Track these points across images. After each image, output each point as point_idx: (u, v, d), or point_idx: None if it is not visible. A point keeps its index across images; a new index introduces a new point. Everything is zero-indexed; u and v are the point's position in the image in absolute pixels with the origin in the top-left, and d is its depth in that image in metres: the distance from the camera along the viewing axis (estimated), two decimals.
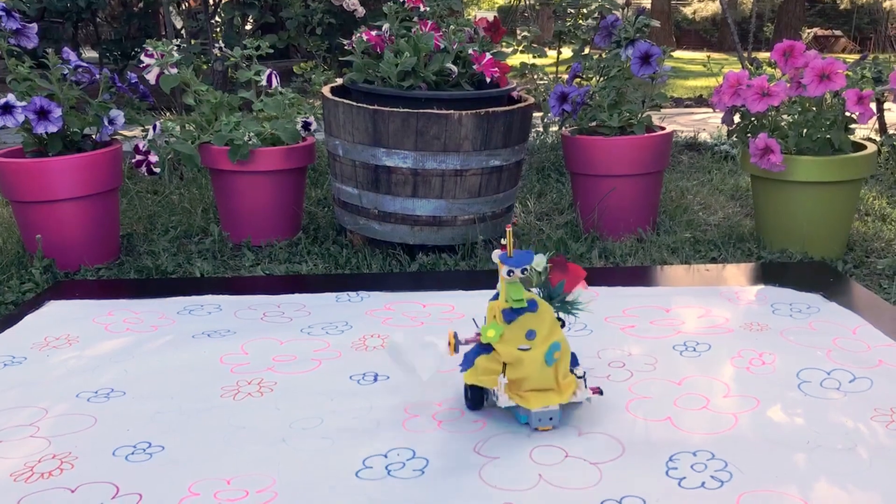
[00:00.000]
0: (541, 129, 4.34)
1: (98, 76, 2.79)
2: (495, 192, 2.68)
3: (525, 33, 4.46)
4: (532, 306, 1.51)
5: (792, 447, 1.45)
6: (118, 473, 1.42)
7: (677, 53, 12.09)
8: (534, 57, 4.31)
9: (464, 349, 1.58)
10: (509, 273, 1.49)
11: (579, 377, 1.56)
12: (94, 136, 2.76)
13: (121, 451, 1.50)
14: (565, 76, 3.19)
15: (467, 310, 2.17)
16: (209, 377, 1.80)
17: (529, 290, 1.55)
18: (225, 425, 1.58)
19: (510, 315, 1.50)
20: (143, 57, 2.91)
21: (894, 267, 2.48)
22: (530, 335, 1.50)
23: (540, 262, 1.56)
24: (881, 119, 4.15)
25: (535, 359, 1.50)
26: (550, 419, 1.52)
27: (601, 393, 1.57)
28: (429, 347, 1.54)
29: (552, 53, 4.51)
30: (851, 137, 2.64)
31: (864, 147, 2.64)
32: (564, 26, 4.41)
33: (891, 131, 4.05)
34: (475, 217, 2.67)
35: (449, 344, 1.54)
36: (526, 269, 1.50)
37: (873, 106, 2.56)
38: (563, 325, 1.58)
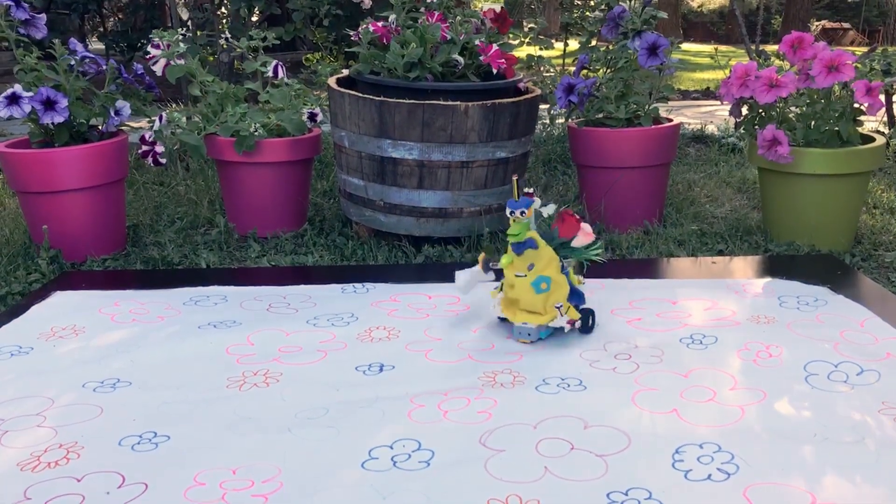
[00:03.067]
0: (547, 122, 4.33)
1: (104, 67, 2.79)
2: (501, 184, 2.67)
3: (532, 25, 4.44)
4: (530, 244, 1.82)
5: (799, 440, 1.44)
6: (124, 463, 1.42)
7: (684, 46, 12.03)
8: (540, 49, 4.29)
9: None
10: (510, 213, 1.84)
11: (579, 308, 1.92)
12: (100, 127, 2.76)
13: (127, 441, 1.50)
14: (572, 68, 3.18)
15: (473, 301, 2.17)
16: (215, 368, 1.80)
17: (532, 230, 1.86)
18: (231, 415, 1.59)
19: (516, 248, 1.84)
20: (150, 47, 2.90)
21: None
22: (530, 267, 1.85)
23: (544, 209, 1.90)
24: (889, 111, 4.13)
25: (525, 285, 1.85)
26: (529, 335, 1.88)
27: (576, 326, 1.92)
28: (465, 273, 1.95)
29: (559, 45, 4.50)
30: (860, 129, 2.62)
31: (873, 139, 2.62)
32: (571, 18, 4.40)
33: None
34: (481, 209, 2.66)
35: (479, 263, 1.94)
36: (524, 212, 1.83)
37: (882, 98, 2.54)
38: (582, 270, 1.97)
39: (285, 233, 2.84)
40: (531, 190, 1.90)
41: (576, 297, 1.93)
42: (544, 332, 1.90)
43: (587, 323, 1.93)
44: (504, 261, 1.88)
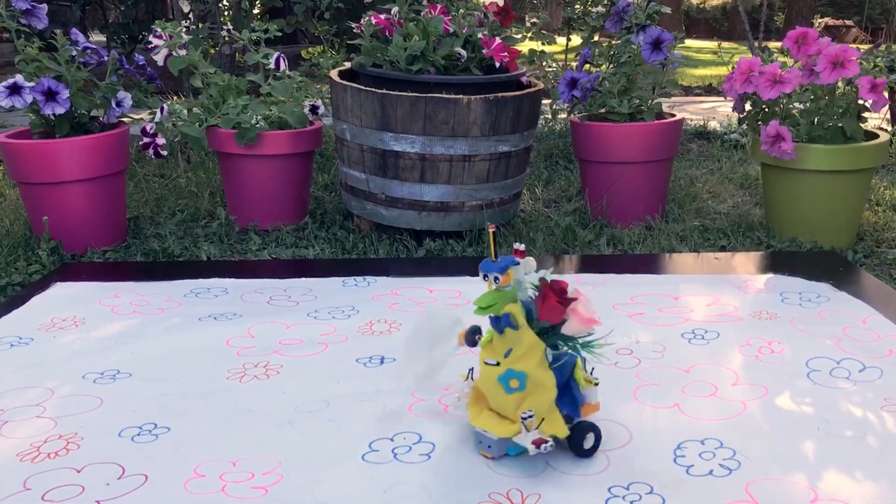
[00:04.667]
0: (549, 116, 4.31)
1: (106, 58, 2.78)
2: (503, 178, 2.67)
3: (534, 20, 4.43)
4: (505, 321, 1.32)
5: (801, 436, 1.44)
6: (124, 454, 1.42)
7: (687, 42, 12.01)
8: (543, 44, 4.28)
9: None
10: (483, 277, 1.33)
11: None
12: (101, 118, 2.75)
13: (127, 432, 1.50)
14: (574, 63, 3.17)
15: (474, 296, 2.14)
16: (215, 360, 1.80)
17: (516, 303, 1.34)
18: (231, 407, 1.58)
19: (495, 324, 1.34)
20: (152, 38, 2.89)
21: None
22: (507, 354, 1.34)
23: (537, 274, 1.35)
24: (893, 108, 4.12)
25: (490, 378, 1.35)
26: (489, 447, 1.38)
27: (545, 449, 1.33)
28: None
29: (561, 40, 4.48)
30: (863, 126, 2.61)
31: (877, 136, 2.61)
32: (574, 13, 4.38)
33: None
34: (483, 203, 2.66)
35: (459, 337, 1.42)
36: (497, 278, 1.31)
37: (886, 94, 2.53)
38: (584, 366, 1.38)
39: (286, 225, 2.84)
40: (521, 247, 1.35)
41: (569, 404, 1.38)
42: (513, 448, 1.37)
43: (580, 443, 1.38)
44: (485, 337, 1.39)
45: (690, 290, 2.18)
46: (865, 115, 2.60)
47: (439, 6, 2.71)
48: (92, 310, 2.11)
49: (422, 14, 2.70)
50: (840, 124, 2.55)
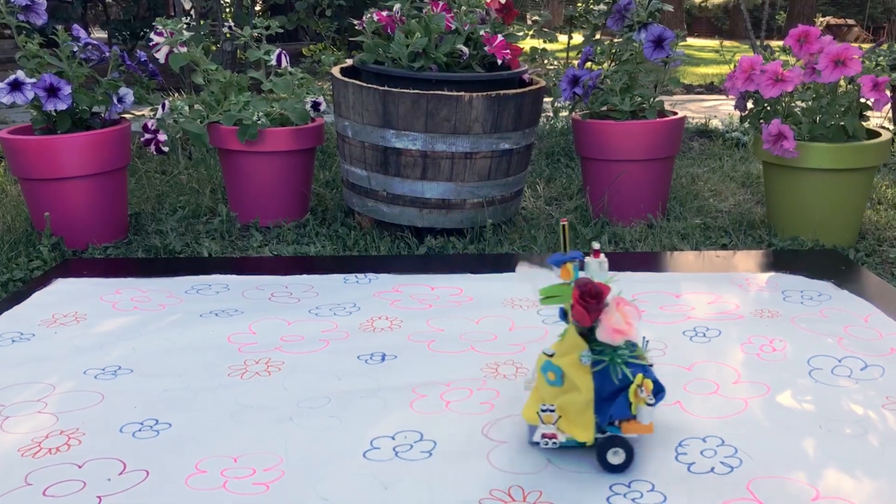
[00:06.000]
0: (551, 114, 4.31)
1: (108, 54, 2.77)
2: (505, 175, 2.67)
3: (536, 18, 4.42)
4: (560, 314, 1.37)
5: (802, 434, 1.44)
6: (125, 450, 1.42)
7: (689, 41, 12.00)
8: (545, 42, 4.28)
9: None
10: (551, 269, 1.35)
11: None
12: (102, 115, 2.75)
13: (128, 428, 1.50)
14: (576, 61, 3.17)
15: (476, 293, 2.16)
16: (217, 356, 1.80)
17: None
18: (232, 404, 1.58)
19: (560, 315, 1.38)
20: (153, 35, 2.89)
21: None
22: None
23: (598, 276, 1.34)
24: (895, 107, 4.11)
25: (538, 366, 1.38)
26: (532, 437, 1.37)
27: (548, 445, 1.35)
28: None
29: (563, 38, 4.48)
30: (865, 125, 2.61)
31: (879, 134, 2.61)
32: (575, 11, 4.38)
33: None
34: (484, 200, 2.66)
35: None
36: (553, 268, 1.32)
37: (888, 93, 2.53)
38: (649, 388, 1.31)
39: (287, 222, 2.84)
40: (597, 245, 1.36)
41: (603, 414, 1.32)
42: (570, 440, 1.35)
43: (604, 456, 1.33)
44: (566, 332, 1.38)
45: (692, 288, 2.18)
46: (867, 113, 2.60)
47: (441, 3, 2.71)
48: (93, 306, 2.11)
49: (424, 11, 2.70)
50: (842, 123, 2.55)
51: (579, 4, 4.35)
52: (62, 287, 2.24)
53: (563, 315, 1.36)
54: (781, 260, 2.42)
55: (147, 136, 2.81)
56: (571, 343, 1.33)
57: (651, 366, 1.36)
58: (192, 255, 2.59)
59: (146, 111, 3.00)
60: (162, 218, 2.93)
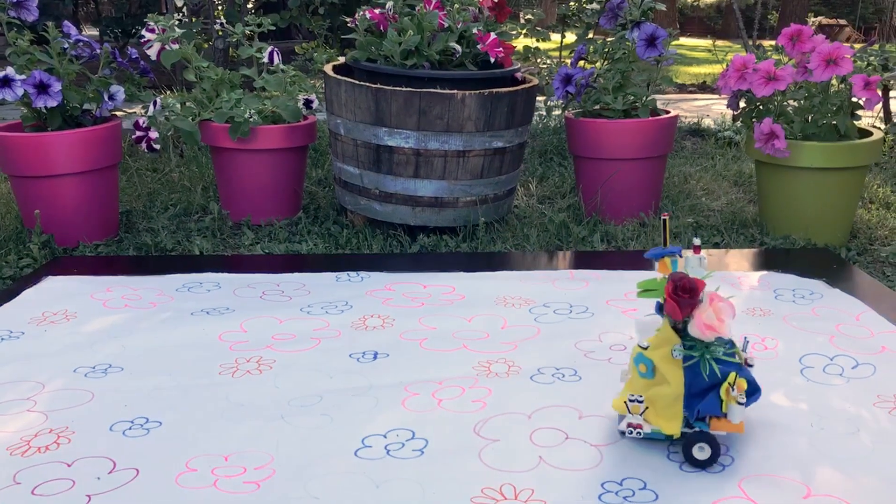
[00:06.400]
0: (543, 113, 4.31)
1: (99, 51, 2.76)
2: (497, 173, 2.66)
3: (529, 16, 4.42)
4: (656, 308, 1.38)
5: (794, 432, 1.44)
6: (115, 448, 1.41)
7: (681, 40, 12.03)
8: (538, 40, 4.27)
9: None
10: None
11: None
12: (93, 112, 2.73)
13: (118, 427, 1.49)
14: (569, 60, 3.17)
15: (468, 291, 2.16)
16: (208, 354, 1.79)
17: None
18: (223, 402, 1.57)
19: (656, 308, 1.39)
20: (144, 31, 2.88)
21: None
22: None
23: (696, 272, 1.33)
24: (886, 107, 4.13)
25: (632, 358, 1.40)
26: (623, 432, 1.39)
27: (634, 435, 1.38)
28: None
29: (556, 37, 4.48)
30: (857, 124, 2.62)
31: (870, 134, 2.62)
32: (568, 10, 4.38)
33: None
34: (477, 199, 2.65)
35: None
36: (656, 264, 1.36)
37: (879, 92, 2.53)
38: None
39: (279, 220, 2.83)
40: (697, 241, 1.37)
41: (690, 406, 1.33)
42: (655, 432, 1.37)
43: (690, 450, 1.33)
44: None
45: None
46: (859, 112, 2.60)
47: (434, 1, 2.70)
48: (83, 304, 2.09)
49: (416, 9, 2.70)
50: (834, 122, 2.55)
51: (572, 3, 4.34)
52: (52, 285, 2.23)
53: (659, 309, 1.37)
54: (773, 258, 2.42)
55: (138, 133, 2.80)
56: (664, 337, 1.35)
57: (750, 366, 1.38)
58: (184, 254, 2.58)
59: (138, 109, 2.99)
60: (153, 216, 2.92)
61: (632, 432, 1.37)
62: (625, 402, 1.37)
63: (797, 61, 2.56)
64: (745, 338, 1.45)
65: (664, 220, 1.36)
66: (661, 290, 1.33)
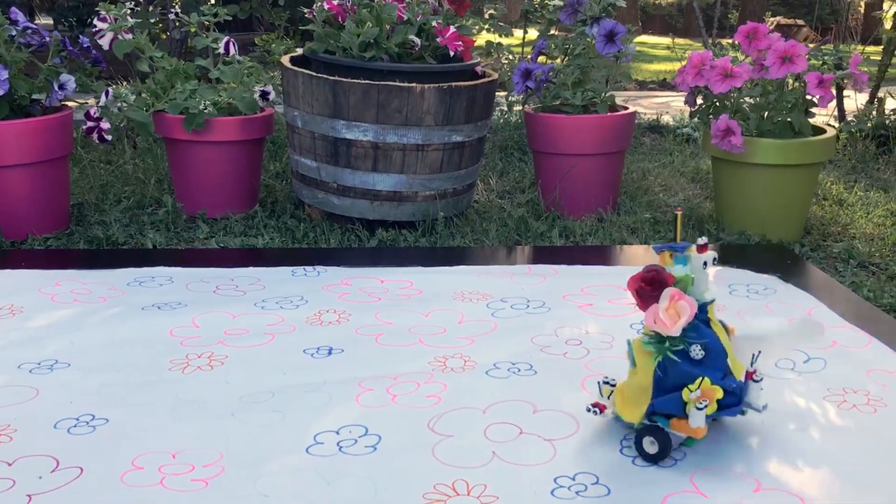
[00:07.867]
0: (504, 108, 4.31)
1: (48, 39, 2.69)
2: (457, 168, 2.65)
3: (492, 11, 4.41)
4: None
5: (745, 426, 1.45)
6: (59, 446, 1.37)
7: (643, 38, 12.13)
8: (500, 36, 4.26)
9: None
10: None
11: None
12: (43, 102, 2.66)
13: (63, 424, 1.45)
14: (530, 56, 3.16)
15: (426, 286, 2.14)
16: (158, 350, 1.75)
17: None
18: (172, 399, 1.54)
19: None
20: (96, 21, 2.81)
21: (849, 251, 2.50)
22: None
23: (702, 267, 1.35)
24: (840, 105, 4.20)
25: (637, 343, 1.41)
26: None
27: (598, 413, 1.43)
28: None
29: (518, 33, 4.47)
30: (811, 122, 2.65)
31: (824, 131, 2.65)
32: (531, 5, 4.37)
33: (849, 118, 4.09)
34: (436, 193, 2.64)
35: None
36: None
37: (833, 91, 2.57)
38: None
39: (235, 214, 2.78)
40: (703, 240, 1.36)
41: (661, 404, 1.33)
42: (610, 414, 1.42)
43: (640, 442, 1.34)
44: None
45: None
46: (813, 110, 2.63)
47: None
48: (31, 298, 2.04)
49: (375, 1, 2.67)
50: (788, 119, 2.58)
51: None
52: None
53: None
54: (728, 254, 2.44)
55: (90, 124, 2.73)
56: (646, 329, 1.37)
57: (756, 381, 1.38)
58: (136, 247, 2.53)
59: (90, 99, 2.92)
60: (105, 209, 2.85)
61: (596, 412, 1.41)
62: (597, 382, 1.44)
63: (753, 59, 2.59)
64: (756, 353, 1.42)
65: (677, 216, 1.38)
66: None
